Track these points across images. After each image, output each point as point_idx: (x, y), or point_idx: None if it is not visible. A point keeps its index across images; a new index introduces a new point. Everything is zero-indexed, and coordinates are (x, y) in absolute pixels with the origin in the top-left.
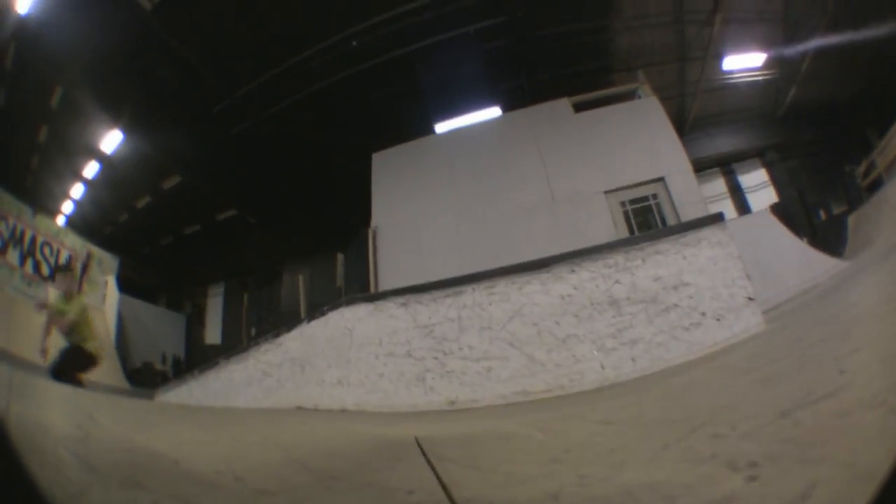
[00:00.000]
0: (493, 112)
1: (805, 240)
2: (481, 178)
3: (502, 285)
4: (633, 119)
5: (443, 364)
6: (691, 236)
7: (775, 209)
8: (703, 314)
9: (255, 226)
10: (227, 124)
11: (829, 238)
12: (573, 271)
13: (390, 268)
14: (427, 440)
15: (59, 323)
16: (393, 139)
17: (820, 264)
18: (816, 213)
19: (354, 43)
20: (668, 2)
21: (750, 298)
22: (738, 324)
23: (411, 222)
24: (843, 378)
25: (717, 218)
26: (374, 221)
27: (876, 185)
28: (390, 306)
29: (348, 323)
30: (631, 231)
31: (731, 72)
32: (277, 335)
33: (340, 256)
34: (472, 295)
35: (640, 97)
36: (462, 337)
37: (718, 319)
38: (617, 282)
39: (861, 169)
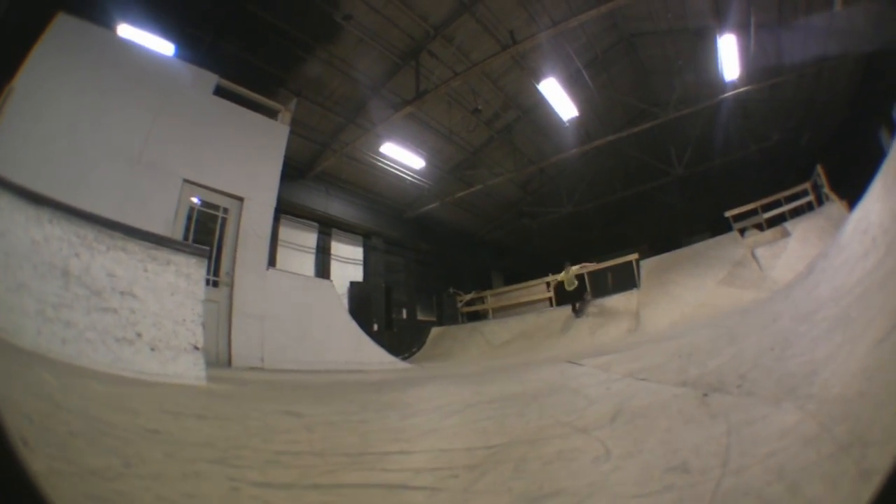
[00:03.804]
0: (167, 48)
1: (376, 327)
2: (102, 96)
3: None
4: (257, 133)
5: None
6: (163, 253)
7: (353, 286)
8: (139, 336)
9: None
10: None
11: (403, 336)
12: (51, 221)
13: None
14: None
15: None
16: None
17: (372, 354)
18: (399, 311)
19: None
20: (378, 68)
21: (196, 347)
22: (174, 366)
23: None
24: None
25: (202, 252)
26: (19, 81)
27: (473, 317)
28: None
29: None
30: (187, 229)
31: (384, 156)
32: None
33: None
34: None
35: (277, 120)
36: None
37: (153, 349)
38: (77, 255)
39: (465, 297)
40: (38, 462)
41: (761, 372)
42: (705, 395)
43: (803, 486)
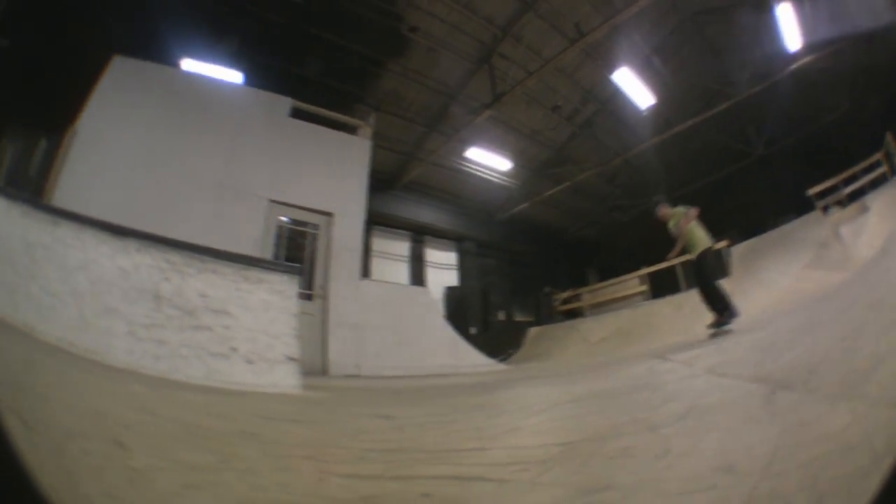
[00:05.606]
0: (236, 77)
1: (473, 330)
2: (174, 129)
3: (91, 237)
4: (339, 150)
5: None
6: (255, 273)
7: (449, 291)
8: (234, 350)
9: None
10: None
11: (501, 338)
12: (139, 250)
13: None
14: None
15: None
16: (135, 50)
17: (469, 357)
18: (496, 313)
19: None
20: (452, 75)
21: (291, 358)
22: (270, 376)
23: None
24: None
25: (293, 269)
26: (80, 123)
27: (570, 315)
28: None
29: None
30: (277, 246)
31: (469, 160)
32: None
33: None
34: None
35: (358, 135)
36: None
37: (248, 362)
38: (167, 279)
39: (561, 296)
40: (136, 460)
41: (829, 366)
42: (773, 392)
43: (826, 501)
